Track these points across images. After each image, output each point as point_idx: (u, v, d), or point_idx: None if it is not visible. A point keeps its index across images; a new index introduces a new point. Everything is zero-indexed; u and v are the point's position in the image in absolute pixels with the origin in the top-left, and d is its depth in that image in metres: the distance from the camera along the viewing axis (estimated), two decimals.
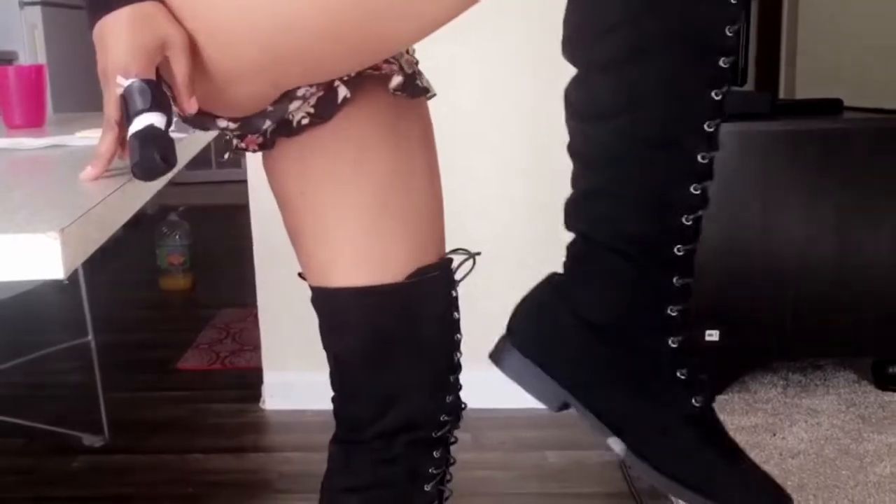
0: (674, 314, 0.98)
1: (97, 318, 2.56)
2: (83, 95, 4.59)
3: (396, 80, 1.05)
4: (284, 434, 2.50)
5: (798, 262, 2.54)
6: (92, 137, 1.59)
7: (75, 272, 2.43)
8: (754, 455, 2.24)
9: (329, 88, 1.03)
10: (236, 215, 2.83)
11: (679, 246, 0.95)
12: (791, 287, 2.55)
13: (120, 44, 0.88)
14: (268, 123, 1.04)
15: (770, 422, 2.43)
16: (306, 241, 1.15)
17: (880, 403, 2.53)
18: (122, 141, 0.93)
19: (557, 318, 1.01)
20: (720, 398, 2.58)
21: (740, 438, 2.33)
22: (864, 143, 2.50)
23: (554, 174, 2.15)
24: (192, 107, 0.92)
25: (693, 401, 0.97)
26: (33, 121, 1.76)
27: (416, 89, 1.09)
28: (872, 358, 2.67)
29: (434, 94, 1.15)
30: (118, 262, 4.54)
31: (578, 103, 0.97)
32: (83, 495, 2.19)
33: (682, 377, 0.97)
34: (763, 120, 2.53)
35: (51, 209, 0.87)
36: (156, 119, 0.88)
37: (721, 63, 0.90)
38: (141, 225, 5.30)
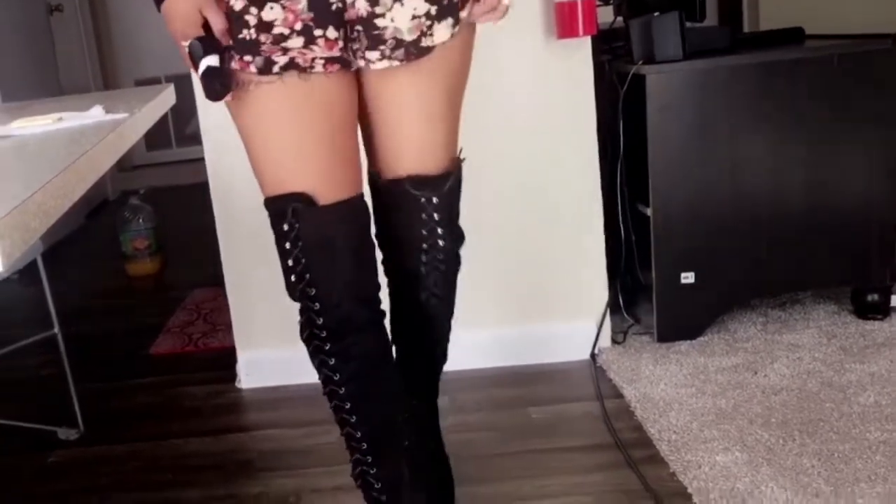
0: None
1: (63, 310, 2.50)
2: (34, 83, 4.49)
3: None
4: (262, 412, 2.46)
5: (769, 197, 2.51)
6: (29, 126, 1.53)
7: (35, 265, 2.37)
8: (736, 395, 2.22)
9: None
10: (200, 194, 2.77)
11: None
12: (764, 222, 2.52)
13: (176, 19, 1.35)
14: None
15: (751, 360, 2.41)
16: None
17: (861, 333, 2.52)
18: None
19: None
20: (700, 340, 2.56)
21: (722, 379, 2.31)
22: (828, 70, 2.46)
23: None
24: (224, 35, 1.37)
25: None
26: None
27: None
28: (851, 287, 2.65)
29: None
30: (82, 250, 4.46)
31: None
32: (62, 489, 2.15)
33: None
34: (725, 55, 2.48)
35: None
36: (211, 60, 1.34)
37: None
38: (103, 211, 5.22)
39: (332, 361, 1.47)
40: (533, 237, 2.52)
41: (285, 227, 1.43)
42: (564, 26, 2.33)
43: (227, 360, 2.69)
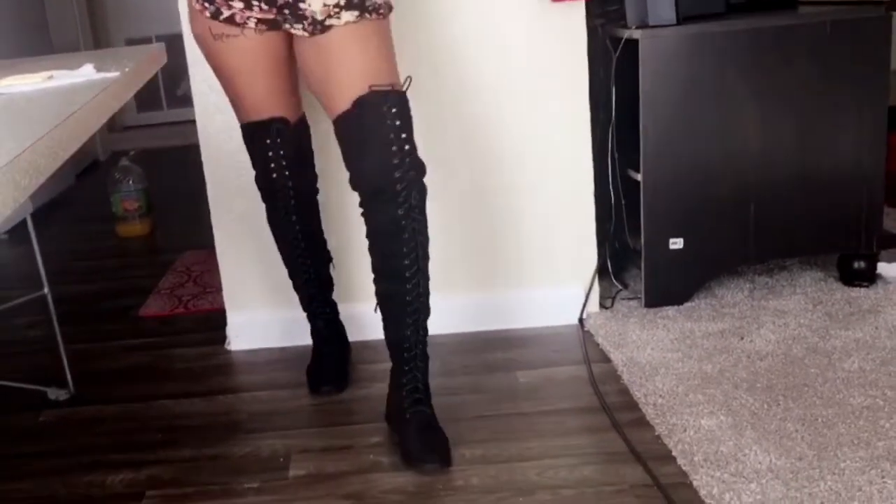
0: None
1: (53, 270, 2.50)
2: (24, 41, 4.45)
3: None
4: (251, 374, 2.47)
5: (759, 163, 2.51)
6: (19, 84, 1.52)
7: (24, 224, 2.36)
8: (722, 360, 2.24)
9: None
10: (190, 156, 2.77)
11: None
12: (753, 189, 2.53)
13: None
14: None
15: (738, 325, 2.43)
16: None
17: (847, 300, 2.53)
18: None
19: None
20: (687, 305, 2.57)
21: (708, 344, 2.33)
22: (820, 37, 2.46)
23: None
24: None
25: None
26: None
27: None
28: (838, 254, 2.67)
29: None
30: (72, 211, 4.45)
31: None
32: (52, 449, 2.16)
33: None
34: (718, 20, 2.47)
35: None
36: None
37: None
38: (93, 172, 5.20)
39: (294, 217, 2.22)
40: (523, 201, 2.53)
41: (268, 140, 2.12)
42: None
43: (216, 322, 2.70)
